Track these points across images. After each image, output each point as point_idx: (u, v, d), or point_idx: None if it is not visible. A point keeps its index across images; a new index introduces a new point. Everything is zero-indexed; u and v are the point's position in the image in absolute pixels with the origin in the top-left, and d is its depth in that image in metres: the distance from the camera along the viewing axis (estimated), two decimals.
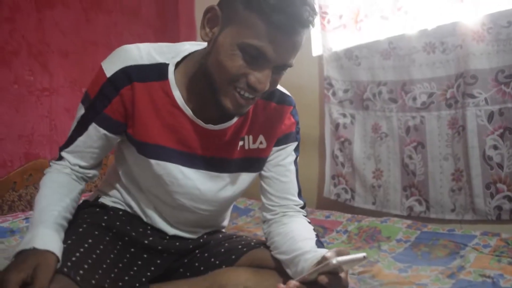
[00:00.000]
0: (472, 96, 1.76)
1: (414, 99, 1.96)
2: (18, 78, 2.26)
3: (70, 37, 2.44)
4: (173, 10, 2.87)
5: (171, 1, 2.87)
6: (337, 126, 2.21)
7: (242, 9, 0.85)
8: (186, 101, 0.99)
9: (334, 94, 2.22)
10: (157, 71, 0.97)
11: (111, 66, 0.96)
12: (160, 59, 0.98)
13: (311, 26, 0.87)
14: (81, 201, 1.17)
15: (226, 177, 1.08)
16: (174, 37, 2.82)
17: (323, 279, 0.78)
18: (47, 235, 0.88)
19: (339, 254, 0.82)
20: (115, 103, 0.98)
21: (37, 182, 2.25)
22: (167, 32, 2.86)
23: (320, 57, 2.30)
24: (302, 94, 2.46)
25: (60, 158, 1.05)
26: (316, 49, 2.34)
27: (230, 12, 0.87)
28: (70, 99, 2.44)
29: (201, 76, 0.95)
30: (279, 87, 1.09)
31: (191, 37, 2.85)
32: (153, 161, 1.02)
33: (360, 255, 0.77)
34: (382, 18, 2.03)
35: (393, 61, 2.01)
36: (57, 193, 0.99)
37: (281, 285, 0.81)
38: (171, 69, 0.98)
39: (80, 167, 1.05)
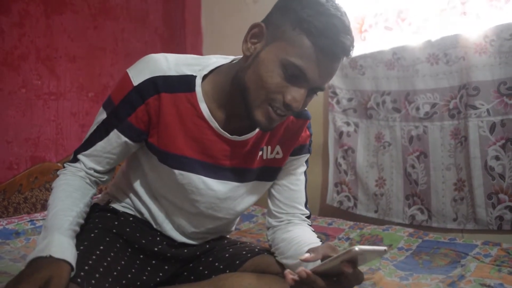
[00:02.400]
0: (475, 107, 1.78)
1: (418, 109, 1.98)
2: (26, 82, 2.29)
3: (78, 42, 2.47)
4: (180, 17, 2.90)
5: (178, 8, 2.90)
6: (340, 134, 2.23)
7: (291, 29, 0.88)
8: (212, 113, 1.01)
9: (338, 102, 2.24)
10: (185, 83, 0.99)
11: (138, 74, 0.97)
12: (187, 71, 0.99)
13: (349, 55, 0.92)
14: (91, 205, 1.19)
15: (244, 186, 1.10)
16: (181, 45, 2.86)
17: (348, 268, 0.76)
18: (62, 243, 0.87)
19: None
20: (139, 112, 0.98)
21: (42, 185, 2.28)
22: (174, 40, 2.89)
23: None
24: None
25: (75, 160, 1.05)
26: None
27: (277, 30, 0.90)
28: (77, 104, 2.47)
29: (232, 89, 0.97)
30: None
31: (197, 45, 2.88)
32: (176, 171, 1.02)
33: (382, 248, 0.76)
34: (386, 28, 2.05)
35: (397, 71, 2.04)
36: (71, 197, 0.99)
37: (289, 271, 0.80)
38: (198, 81, 0.99)
39: (95, 171, 1.05)
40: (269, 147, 1.10)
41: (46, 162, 2.33)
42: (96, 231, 1.06)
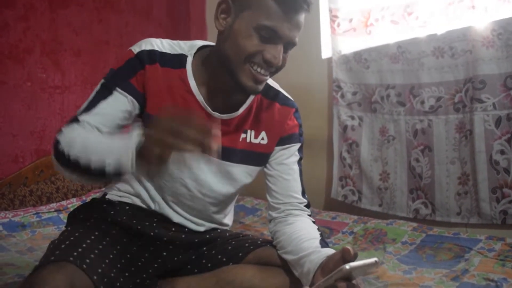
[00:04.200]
0: (480, 101, 1.77)
1: (422, 102, 1.97)
2: (31, 75, 2.29)
3: (83, 36, 2.47)
4: (184, 10, 2.89)
5: (182, 2, 2.90)
6: (345, 128, 2.23)
7: None
8: (199, 89, 1.07)
9: (342, 96, 2.24)
10: (177, 60, 1.08)
11: (138, 47, 1.07)
12: (180, 51, 1.09)
13: (308, 11, 1.00)
14: (89, 199, 1.20)
15: (228, 165, 1.13)
16: (185, 37, 2.84)
17: (343, 285, 0.79)
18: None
19: (345, 254, 0.83)
20: (139, 75, 1.05)
21: (48, 178, 2.30)
22: (178, 32, 2.89)
23: (329, 60, 2.32)
24: (311, 96, 2.48)
25: (76, 121, 1.00)
26: (326, 52, 2.36)
27: (243, 0, 0.98)
28: (82, 97, 2.47)
29: (214, 65, 1.05)
30: (283, 91, 1.18)
31: (202, 37, 2.88)
32: None
33: (372, 259, 0.77)
34: (392, 22, 2.04)
35: (401, 65, 2.03)
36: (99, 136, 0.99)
37: None
38: (189, 60, 1.08)
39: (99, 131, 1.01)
40: (253, 132, 1.14)
41: (51, 155, 2.34)
42: (92, 220, 1.08)
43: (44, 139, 2.34)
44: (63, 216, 2.05)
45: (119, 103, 1.03)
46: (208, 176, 1.13)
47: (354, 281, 0.81)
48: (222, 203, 1.22)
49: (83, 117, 1.00)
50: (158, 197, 1.15)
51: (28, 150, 2.29)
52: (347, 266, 0.75)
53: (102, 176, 0.89)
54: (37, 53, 2.31)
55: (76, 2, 2.45)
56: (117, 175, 0.88)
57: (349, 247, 0.83)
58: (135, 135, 0.85)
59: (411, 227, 1.80)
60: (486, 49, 1.75)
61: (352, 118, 2.22)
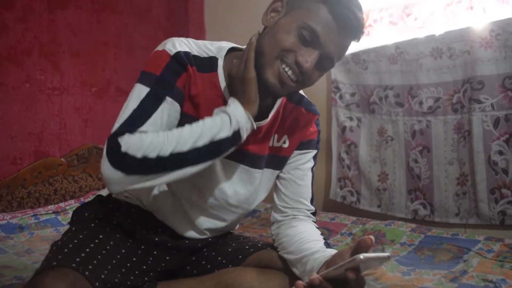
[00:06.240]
0: (479, 102, 1.77)
1: (421, 103, 1.97)
2: (29, 77, 2.30)
3: (81, 37, 2.47)
4: (183, 11, 2.89)
5: (181, 3, 2.90)
6: (343, 129, 2.23)
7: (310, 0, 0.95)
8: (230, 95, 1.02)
9: (341, 97, 2.24)
10: (208, 63, 1.03)
11: (172, 48, 0.99)
12: (209, 53, 1.04)
13: (357, 37, 0.98)
14: (94, 196, 1.19)
15: (254, 172, 1.12)
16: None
17: (352, 275, 0.78)
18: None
19: (363, 243, 0.81)
20: (183, 77, 0.99)
21: (46, 179, 2.30)
22: (177, 33, 2.88)
23: None
24: (310, 97, 2.47)
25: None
26: None
27: (297, 2, 0.96)
28: (80, 99, 2.47)
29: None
30: (305, 95, 1.17)
31: (200, 38, 2.87)
32: None
33: (385, 254, 0.77)
34: (390, 23, 2.04)
35: (400, 66, 2.03)
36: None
37: (301, 282, 0.82)
38: (220, 63, 1.03)
39: None
40: (276, 135, 1.12)
41: (49, 157, 2.34)
42: (96, 221, 1.07)
43: (42, 141, 2.34)
44: (61, 218, 2.05)
45: (172, 111, 0.96)
46: (237, 184, 1.10)
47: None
48: (243, 211, 1.19)
49: (141, 129, 0.91)
50: (180, 216, 1.12)
51: (26, 151, 2.29)
52: (361, 256, 0.74)
53: (218, 150, 0.93)
54: (36, 54, 2.31)
55: (74, 3, 2.44)
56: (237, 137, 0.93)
57: (371, 236, 0.81)
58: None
59: (410, 228, 1.80)
60: (485, 49, 1.76)
61: (351, 119, 2.22)
